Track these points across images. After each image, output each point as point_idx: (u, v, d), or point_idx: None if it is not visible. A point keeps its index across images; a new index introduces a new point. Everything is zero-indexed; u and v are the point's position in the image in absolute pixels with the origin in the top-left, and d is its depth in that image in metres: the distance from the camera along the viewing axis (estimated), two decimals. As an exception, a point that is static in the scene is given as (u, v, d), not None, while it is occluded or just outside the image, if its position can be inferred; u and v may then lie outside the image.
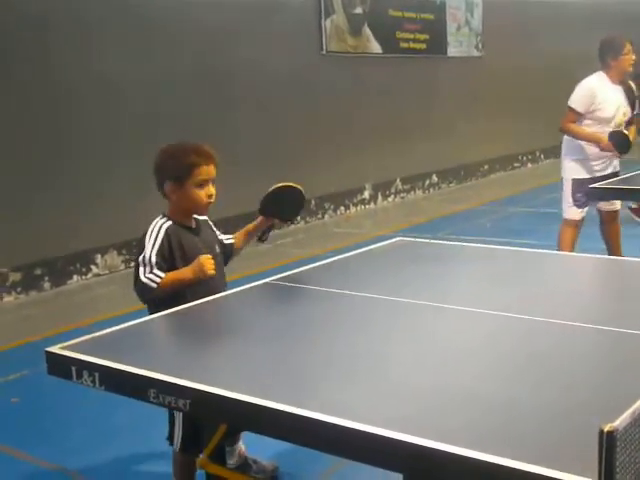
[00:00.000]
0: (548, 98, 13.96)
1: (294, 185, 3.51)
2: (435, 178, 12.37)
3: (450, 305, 2.81)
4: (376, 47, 10.97)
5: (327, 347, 2.47)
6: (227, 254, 3.40)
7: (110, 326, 2.67)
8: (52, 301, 6.88)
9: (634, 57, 6.00)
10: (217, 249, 3.27)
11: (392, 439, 1.74)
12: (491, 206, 10.73)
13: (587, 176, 5.95)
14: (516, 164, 14.64)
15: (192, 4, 8.27)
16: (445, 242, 4.39)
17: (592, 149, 5.91)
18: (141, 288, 3.00)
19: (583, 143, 5.93)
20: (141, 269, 3.00)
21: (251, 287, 3.19)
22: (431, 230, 8.45)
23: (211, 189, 3.15)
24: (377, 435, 1.76)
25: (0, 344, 5.76)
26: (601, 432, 1.41)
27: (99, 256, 7.52)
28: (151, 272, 2.99)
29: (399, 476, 1.87)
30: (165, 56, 8.00)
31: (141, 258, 3.02)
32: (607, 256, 5.66)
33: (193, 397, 2.05)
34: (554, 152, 15.08)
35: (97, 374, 2.26)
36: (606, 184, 5.58)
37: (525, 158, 14.91)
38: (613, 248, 6.21)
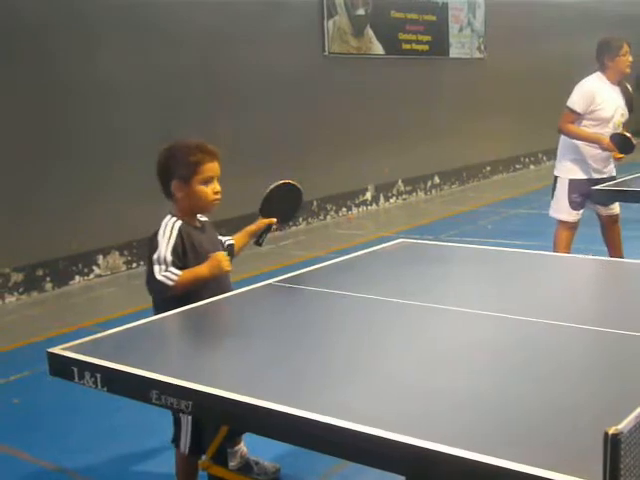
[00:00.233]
0: (550, 100, 13.94)
1: (291, 182, 3.51)
2: (437, 179, 12.36)
3: (452, 307, 2.81)
4: (378, 48, 10.97)
5: (329, 349, 2.47)
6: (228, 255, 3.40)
7: (112, 327, 2.67)
8: (54, 302, 6.88)
9: (631, 59, 5.99)
10: (221, 249, 3.27)
11: (394, 441, 1.74)
12: (493, 208, 10.72)
13: (584, 177, 5.93)
14: (518, 166, 14.64)
15: (194, 6, 8.27)
16: (447, 243, 4.38)
17: (589, 150, 5.89)
18: (157, 286, 2.98)
19: (581, 143, 5.92)
20: (156, 267, 2.99)
21: (253, 288, 3.19)
22: (433, 232, 8.45)
23: (217, 186, 3.16)
24: (379, 437, 1.76)
25: (2, 345, 5.76)
26: (606, 435, 1.41)
27: (101, 257, 7.52)
28: (167, 270, 2.98)
29: (399, 478, 1.86)
30: (167, 57, 7.99)
31: (156, 256, 3.00)
32: (608, 258, 5.65)
33: (195, 399, 2.05)
34: (556, 154, 15.09)
35: (99, 375, 2.25)
36: (605, 186, 5.58)
37: (527, 160, 14.90)
38: (614, 250, 6.20)
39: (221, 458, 2.75)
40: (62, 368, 2.38)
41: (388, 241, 4.02)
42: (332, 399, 2.02)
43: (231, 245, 3.43)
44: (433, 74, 12.13)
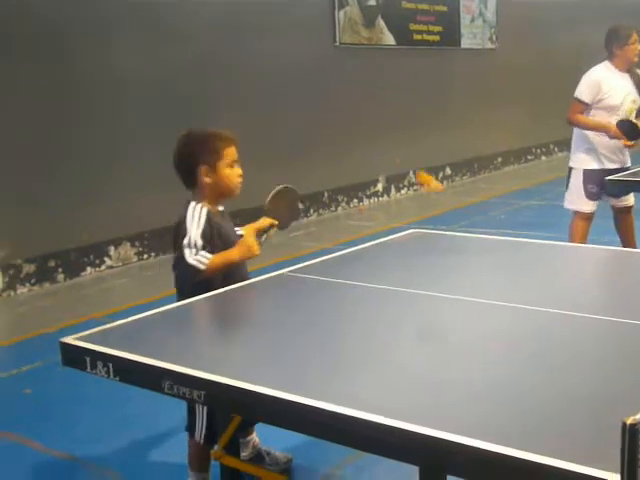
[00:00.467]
0: (562, 90, 13.86)
1: (291, 187, 3.52)
2: (449, 170, 12.33)
3: (464, 297, 2.79)
4: (390, 39, 10.93)
5: (342, 339, 2.46)
6: None
7: (123, 318, 2.67)
8: (65, 293, 6.89)
9: (639, 47, 5.95)
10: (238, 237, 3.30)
11: (408, 431, 1.73)
12: (505, 199, 10.69)
13: (598, 167, 5.90)
14: (530, 157, 14.58)
15: (206, 4, 8.26)
16: (459, 234, 4.36)
17: (602, 139, 5.86)
18: (188, 270, 3.00)
19: (592, 133, 5.89)
20: (187, 251, 3.01)
21: (266, 278, 3.18)
22: (445, 222, 8.42)
23: (239, 169, 3.24)
24: (393, 427, 1.75)
25: (14, 335, 5.78)
26: (624, 425, 1.39)
27: (112, 248, 7.53)
28: (197, 254, 3.00)
29: (412, 468, 1.85)
30: (176, 50, 7.97)
31: (186, 241, 3.02)
32: (621, 248, 5.62)
33: (208, 388, 2.04)
34: (568, 145, 14.96)
35: (111, 365, 2.25)
36: (618, 177, 5.55)
37: (539, 151, 14.84)
38: (627, 241, 6.16)
39: (233, 448, 2.74)
40: (74, 358, 2.37)
41: (399, 232, 4.00)
42: (346, 389, 2.01)
43: (241, 236, 3.43)
44: (444, 65, 12.08)
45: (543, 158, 14.96)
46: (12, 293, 6.79)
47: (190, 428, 3.13)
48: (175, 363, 2.14)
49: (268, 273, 3.26)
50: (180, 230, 3.08)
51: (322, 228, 9.06)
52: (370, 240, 3.83)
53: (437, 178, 12.08)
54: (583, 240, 5.95)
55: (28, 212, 6.84)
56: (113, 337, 2.49)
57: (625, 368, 2.12)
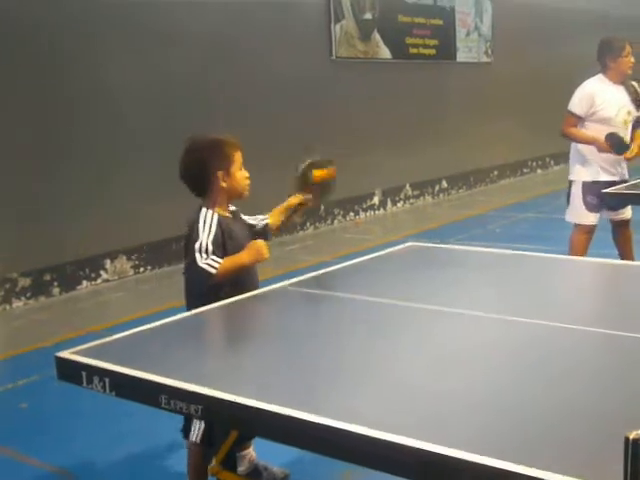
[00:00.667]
0: (558, 103, 13.90)
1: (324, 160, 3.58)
2: (445, 184, 12.34)
3: (462, 310, 2.78)
4: (386, 52, 10.96)
5: (338, 352, 2.45)
6: (264, 235, 3.46)
7: (119, 332, 2.65)
8: (61, 307, 6.87)
9: (633, 59, 5.96)
10: (250, 236, 3.33)
11: (406, 446, 1.72)
12: (501, 212, 10.70)
13: (597, 179, 5.90)
14: (525, 170, 14.61)
15: (200, 11, 8.26)
16: (457, 247, 4.36)
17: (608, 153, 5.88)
18: (200, 275, 3.04)
19: (589, 146, 5.91)
20: (198, 255, 3.05)
21: (262, 292, 3.17)
22: (441, 236, 8.42)
23: (246, 172, 3.31)
24: (391, 442, 1.74)
25: (9, 349, 5.76)
26: (627, 439, 1.38)
27: (108, 262, 7.51)
28: (208, 258, 3.04)
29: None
30: (173, 63, 7.98)
31: (197, 245, 3.06)
32: (619, 261, 5.61)
33: (205, 403, 2.03)
34: (564, 158, 15.02)
35: (107, 379, 2.24)
36: (617, 189, 5.55)
37: (535, 164, 14.88)
38: (625, 254, 6.16)
39: (230, 463, 2.73)
40: (70, 372, 2.36)
41: (396, 245, 3.99)
42: (343, 403, 2.00)
43: (265, 224, 3.49)
44: (440, 78, 12.11)
45: (539, 171, 14.99)
46: (7, 307, 6.76)
47: (185, 430, 3.12)
48: (172, 378, 2.13)
49: (264, 287, 3.25)
50: (191, 236, 3.12)
51: (318, 241, 9.06)
52: (367, 253, 3.82)
53: (433, 191, 12.11)
54: (583, 253, 5.94)
55: (23, 226, 6.83)
56: (109, 351, 2.47)
57: (622, 380, 2.11)
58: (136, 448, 3.96)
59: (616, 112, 5.87)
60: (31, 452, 3.97)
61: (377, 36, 10.78)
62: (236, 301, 3.00)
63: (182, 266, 3.21)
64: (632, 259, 6.07)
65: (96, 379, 2.26)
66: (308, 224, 9.54)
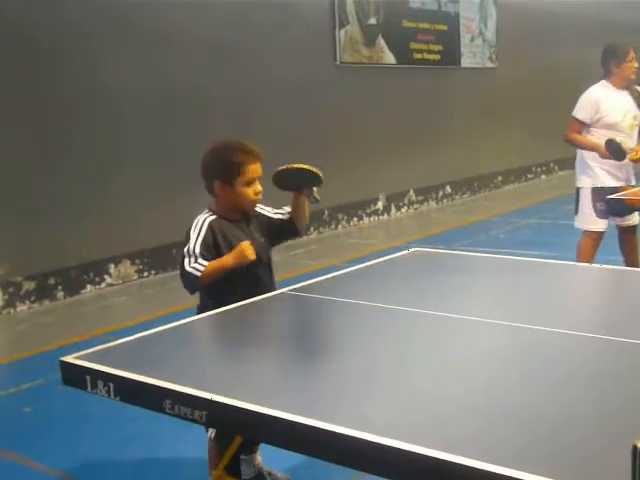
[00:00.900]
0: (562, 109, 13.90)
1: (300, 166, 3.43)
2: (449, 189, 12.34)
3: (467, 316, 2.78)
4: (390, 58, 10.97)
5: (344, 358, 2.45)
6: (291, 227, 3.44)
7: (123, 336, 2.66)
8: (65, 310, 6.87)
9: (637, 65, 5.96)
10: (262, 240, 3.32)
11: (410, 452, 1.71)
12: (505, 218, 10.69)
13: (605, 185, 5.89)
14: (530, 176, 14.61)
15: (205, 16, 8.27)
16: (461, 252, 4.36)
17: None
18: (186, 278, 3.08)
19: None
20: (186, 260, 3.09)
21: (266, 297, 3.17)
22: (445, 241, 8.42)
23: (258, 186, 3.24)
24: (395, 448, 1.73)
25: (13, 353, 5.76)
26: (635, 448, 1.38)
27: (112, 266, 7.52)
28: (195, 262, 3.07)
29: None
30: (177, 67, 8.00)
31: (186, 249, 3.11)
32: (624, 267, 5.60)
33: (210, 409, 2.03)
34: (568, 164, 15.01)
35: (112, 384, 2.24)
36: (622, 195, 5.55)
37: (539, 170, 14.87)
38: (631, 261, 6.15)
39: (234, 468, 2.73)
40: (75, 377, 2.36)
41: (400, 251, 3.99)
42: (348, 409, 2.00)
43: (288, 217, 3.44)
44: (444, 84, 12.12)
45: (543, 177, 14.99)
46: (12, 310, 6.77)
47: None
48: (176, 383, 2.13)
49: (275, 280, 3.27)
50: (185, 239, 3.16)
51: (322, 246, 9.05)
52: (371, 258, 3.81)
53: (437, 196, 12.11)
54: (590, 259, 5.93)
55: (28, 230, 6.84)
56: (114, 356, 2.47)
57: (624, 387, 2.11)
58: (140, 453, 3.96)
59: (622, 117, 5.87)
60: (34, 456, 3.97)
61: (381, 41, 10.79)
62: (240, 306, 3.00)
63: None
64: (638, 266, 6.06)
65: (100, 384, 2.26)
66: (312, 229, 9.54)
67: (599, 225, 5.97)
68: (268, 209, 3.46)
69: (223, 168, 3.20)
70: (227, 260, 3.11)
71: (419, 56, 11.53)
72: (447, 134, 11.95)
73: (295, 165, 3.42)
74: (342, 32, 10.11)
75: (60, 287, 7.12)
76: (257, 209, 3.40)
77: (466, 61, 12.60)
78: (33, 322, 6.55)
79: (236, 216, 3.28)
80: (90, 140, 7.32)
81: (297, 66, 9.40)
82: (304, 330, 2.82)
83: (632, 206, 5.70)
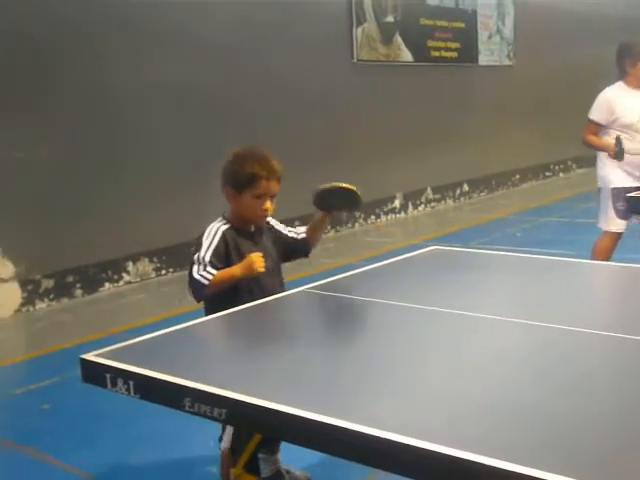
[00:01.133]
0: (580, 107, 13.83)
1: (347, 187, 3.47)
2: (466, 187, 12.31)
3: (484, 314, 2.77)
4: (407, 56, 10.95)
5: (362, 356, 2.45)
6: (302, 247, 3.47)
7: (141, 334, 2.66)
8: (84, 308, 6.91)
9: None
10: (274, 253, 3.31)
11: (424, 449, 1.71)
12: (522, 216, 10.65)
13: (624, 184, 5.87)
14: (548, 174, 14.54)
15: (222, 15, 8.28)
16: (480, 250, 4.35)
17: (626, 157, 5.85)
18: (194, 285, 3.07)
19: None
20: (195, 267, 3.08)
21: (285, 296, 3.17)
22: (462, 240, 8.39)
23: (268, 204, 3.19)
24: (410, 446, 1.73)
25: (32, 351, 5.80)
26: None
27: (131, 264, 7.55)
28: (204, 270, 3.06)
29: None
30: (198, 67, 8.02)
31: (196, 256, 3.09)
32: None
33: (229, 407, 2.03)
34: (586, 162, 14.97)
35: (132, 382, 2.24)
36: (638, 194, 5.52)
37: (557, 167, 14.81)
38: None
39: (253, 466, 2.73)
40: (95, 375, 2.37)
41: (417, 249, 3.99)
42: (364, 407, 2.00)
43: (304, 238, 3.46)
44: (462, 81, 12.09)
45: (561, 175, 14.92)
46: (31, 308, 6.81)
47: (221, 438, 3.13)
48: (196, 381, 2.13)
49: (287, 290, 3.26)
50: (197, 245, 3.14)
51: (340, 245, 9.04)
52: (388, 257, 3.81)
53: (454, 195, 12.08)
54: (606, 258, 5.92)
55: (47, 228, 6.87)
56: (133, 354, 2.48)
57: (639, 385, 2.11)
58: (155, 450, 3.97)
59: (638, 118, 5.84)
60: (53, 452, 3.99)
61: (399, 39, 10.77)
62: (258, 305, 3.01)
63: None
64: None
65: (120, 382, 2.27)
66: (329, 227, 9.54)
67: (620, 226, 5.96)
68: (281, 226, 3.46)
69: (236, 176, 3.17)
70: (236, 271, 3.10)
71: (436, 54, 11.51)
72: (464, 132, 11.92)
73: (343, 185, 3.41)
74: (359, 30, 10.11)
75: (78, 285, 7.15)
76: (271, 222, 3.39)
77: (483, 59, 12.56)
78: (52, 320, 6.59)
79: (249, 227, 3.26)
80: (108, 141, 7.35)
81: (314, 64, 9.40)
82: (322, 328, 2.82)
83: None
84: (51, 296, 6.95)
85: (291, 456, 3.39)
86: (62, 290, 7.03)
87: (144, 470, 3.79)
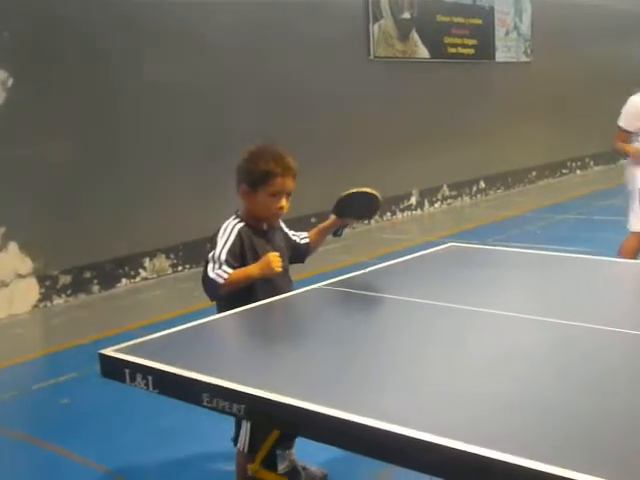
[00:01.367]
0: (597, 104, 13.79)
1: (370, 192, 3.48)
2: (482, 184, 12.28)
3: (504, 312, 2.76)
4: (424, 52, 10.93)
5: (379, 353, 2.44)
6: (303, 252, 3.46)
7: (158, 330, 2.67)
8: (101, 304, 6.94)
9: None
10: (285, 253, 3.29)
11: (444, 446, 1.71)
12: (539, 213, 10.61)
13: None
14: (565, 171, 14.48)
15: (241, 13, 8.29)
16: (497, 247, 4.34)
17: None
18: (209, 284, 3.03)
19: None
20: (210, 265, 3.04)
21: (302, 292, 3.17)
22: (479, 237, 8.37)
23: (283, 202, 3.16)
24: (427, 442, 1.74)
25: (50, 346, 5.83)
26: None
27: (147, 260, 7.57)
28: (220, 268, 3.02)
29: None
30: (217, 63, 8.03)
31: (211, 255, 3.05)
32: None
33: (248, 402, 2.04)
34: (604, 159, 14.94)
35: (151, 377, 2.25)
36: None
37: (574, 164, 14.74)
38: None
39: (271, 462, 2.73)
40: (113, 370, 2.38)
41: (433, 246, 3.98)
42: (381, 403, 2.00)
43: (306, 243, 3.46)
44: (479, 78, 12.05)
45: (578, 172, 14.85)
46: (48, 304, 6.85)
47: (236, 438, 3.13)
48: (214, 376, 2.14)
49: (303, 287, 3.25)
50: (212, 243, 3.11)
51: (355, 241, 9.03)
52: (404, 254, 3.81)
53: (471, 191, 12.05)
54: (633, 258, 5.91)
55: (64, 224, 6.90)
56: (152, 349, 2.49)
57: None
58: (173, 445, 3.98)
59: None
60: (72, 448, 4.01)
61: (415, 36, 10.75)
62: (275, 301, 3.01)
63: None
64: None
65: (139, 376, 2.28)
66: (353, 225, 9.51)
67: None
68: (287, 228, 3.44)
69: (251, 172, 3.13)
70: (253, 270, 3.06)
71: (453, 50, 11.48)
72: (481, 129, 11.89)
73: (364, 189, 3.44)
74: (376, 26, 10.09)
75: (95, 281, 7.18)
76: (280, 223, 3.38)
77: (501, 55, 12.52)
78: (69, 315, 6.62)
79: (261, 225, 3.22)
80: (127, 138, 7.38)
81: (331, 61, 9.39)
82: (339, 325, 2.82)
83: None
84: (68, 292, 6.99)
85: (307, 452, 3.40)
86: (79, 286, 7.07)
87: (161, 465, 3.80)
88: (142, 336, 2.60)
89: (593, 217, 9.76)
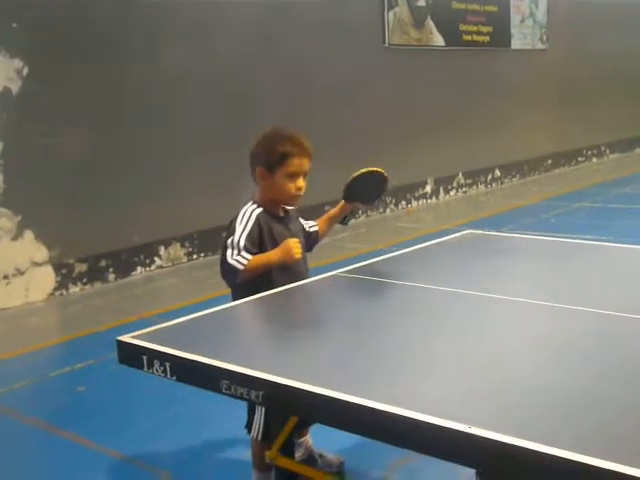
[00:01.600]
0: (613, 92, 13.71)
1: (376, 170, 3.47)
2: (498, 172, 12.22)
3: (526, 299, 2.75)
4: (439, 40, 10.87)
5: (397, 340, 2.44)
6: (312, 241, 3.44)
7: (173, 318, 2.67)
8: (116, 292, 6.95)
9: None
10: (302, 239, 3.27)
11: (466, 433, 1.71)
12: (555, 201, 10.56)
13: None
14: (580, 159, 14.40)
15: (254, 1, 8.29)
16: (515, 235, 4.31)
17: None
18: (228, 270, 3.01)
19: None
20: (229, 251, 3.02)
21: (318, 279, 3.17)
22: (494, 225, 8.33)
23: (301, 182, 3.15)
24: (451, 429, 1.73)
25: (66, 334, 5.85)
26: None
27: (162, 248, 7.58)
28: (239, 254, 3.00)
29: (465, 470, 1.82)
30: (231, 51, 8.01)
31: (229, 241, 3.04)
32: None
33: (266, 389, 2.03)
34: (619, 147, 14.85)
35: (168, 364, 2.25)
36: None
37: (590, 152, 14.65)
38: None
39: (288, 449, 2.73)
40: (131, 356, 2.38)
41: (448, 234, 3.97)
42: (401, 390, 1.99)
43: (315, 231, 3.45)
44: (494, 65, 11.99)
45: (594, 160, 14.76)
46: (64, 292, 6.87)
47: (249, 425, 3.13)
48: (232, 363, 2.14)
49: (318, 274, 3.25)
50: (229, 230, 3.10)
51: (370, 229, 9.02)
52: (419, 242, 3.79)
53: (486, 180, 12.00)
54: None
55: (80, 213, 6.92)
56: (169, 336, 2.49)
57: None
58: (188, 432, 3.99)
59: None
60: (88, 435, 4.02)
61: (430, 23, 10.70)
62: (290, 288, 3.01)
63: None
64: None
65: (157, 363, 2.28)
66: (360, 212, 9.52)
67: None
68: (300, 218, 3.43)
69: (267, 155, 3.12)
70: (273, 256, 3.05)
71: (468, 38, 11.42)
72: (496, 116, 11.83)
73: (369, 169, 3.42)
74: (391, 14, 10.05)
75: (111, 269, 7.20)
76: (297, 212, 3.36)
77: (516, 42, 12.44)
78: (85, 303, 6.64)
79: (279, 211, 3.21)
80: (142, 126, 7.37)
81: (346, 48, 9.36)
82: (357, 312, 2.81)
83: None
84: (84, 280, 7.01)
85: (324, 439, 3.39)
86: (95, 274, 7.09)
87: (177, 452, 3.81)
88: (157, 324, 2.60)
89: (609, 205, 9.71)
